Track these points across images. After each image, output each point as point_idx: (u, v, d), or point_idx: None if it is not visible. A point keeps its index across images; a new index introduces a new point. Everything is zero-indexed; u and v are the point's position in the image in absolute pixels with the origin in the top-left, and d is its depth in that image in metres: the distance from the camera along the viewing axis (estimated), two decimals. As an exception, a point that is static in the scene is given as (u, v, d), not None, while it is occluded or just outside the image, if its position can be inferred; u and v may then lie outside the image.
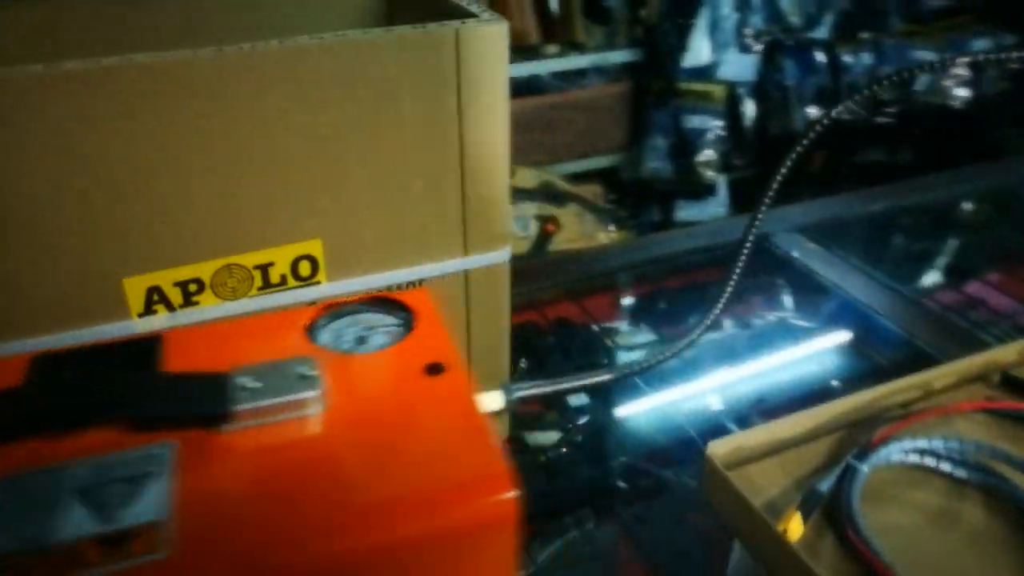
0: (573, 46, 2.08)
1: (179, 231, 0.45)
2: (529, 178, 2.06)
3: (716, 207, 2.14)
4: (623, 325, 0.96)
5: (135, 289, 0.46)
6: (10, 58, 0.42)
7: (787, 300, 0.98)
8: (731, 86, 2.14)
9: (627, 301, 1.03)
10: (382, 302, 0.33)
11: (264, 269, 0.49)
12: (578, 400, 0.81)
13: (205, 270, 0.47)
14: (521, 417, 0.78)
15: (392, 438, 0.26)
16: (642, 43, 2.09)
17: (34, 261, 0.43)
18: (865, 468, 0.48)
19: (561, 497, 0.70)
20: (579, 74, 2.13)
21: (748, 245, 0.52)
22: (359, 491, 0.23)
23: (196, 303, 0.48)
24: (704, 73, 2.10)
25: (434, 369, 0.29)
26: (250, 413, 0.25)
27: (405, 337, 0.31)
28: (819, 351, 0.87)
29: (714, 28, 2.07)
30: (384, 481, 0.24)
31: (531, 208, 2.07)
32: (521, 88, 2.07)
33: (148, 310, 0.47)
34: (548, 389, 0.36)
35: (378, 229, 0.51)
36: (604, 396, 0.81)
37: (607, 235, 2.16)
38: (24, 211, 0.41)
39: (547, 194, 2.08)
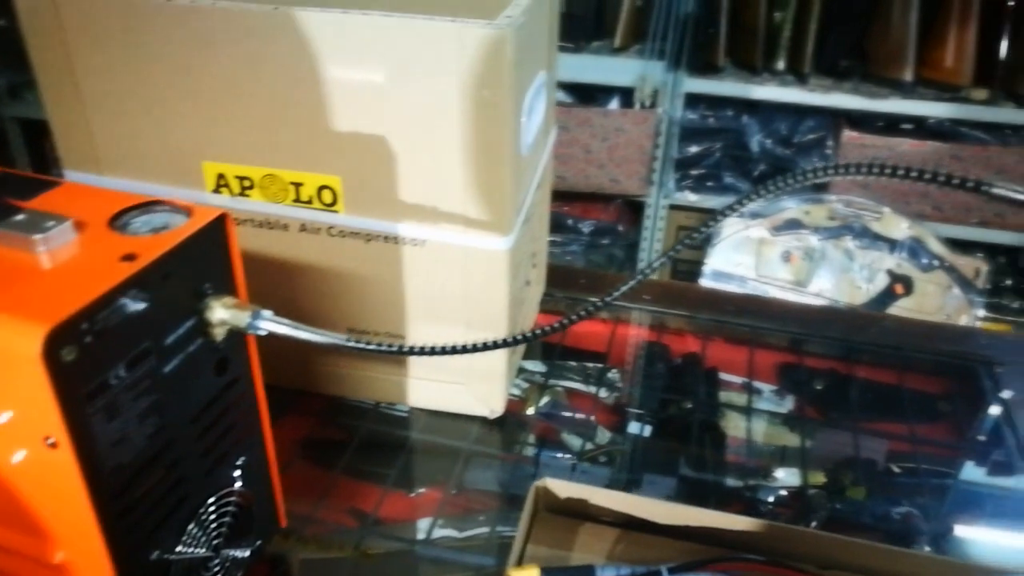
0: (1012, 97, 1.75)
1: (237, 138, 0.60)
2: (897, 227, 1.83)
3: None
4: (768, 387, 0.88)
5: (210, 171, 0.62)
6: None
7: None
8: None
9: (803, 369, 0.92)
10: (185, 211, 0.43)
11: (297, 187, 0.61)
12: (638, 429, 0.80)
13: (255, 173, 0.62)
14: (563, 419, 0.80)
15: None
16: (1109, 112, 1.67)
17: (149, 132, 0.61)
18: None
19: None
20: (1012, 131, 1.79)
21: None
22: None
23: (248, 196, 0.63)
24: None
25: (128, 257, 0.38)
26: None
27: (151, 234, 0.41)
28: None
29: None
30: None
31: (887, 260, 1.85)
32: (926, 130, 1.83)
33: (217, 190, 0.63)
34: (286, 331, 0.42)
35: (388, 185, 0.60)
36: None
37: (971, 320, 1.82)
38: (145, 96, 0.60)
39: (913, 252, 1.83)
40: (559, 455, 0.77)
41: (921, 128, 1.82)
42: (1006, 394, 0.76)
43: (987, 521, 0.70)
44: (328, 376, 0.71)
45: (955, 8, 1.73)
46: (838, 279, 1.86)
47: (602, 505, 0.48)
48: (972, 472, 0.74)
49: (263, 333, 0.43)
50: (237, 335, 0.46)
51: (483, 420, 0.72)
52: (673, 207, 1.98)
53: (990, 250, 1.87)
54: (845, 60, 1.85)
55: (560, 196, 2.01)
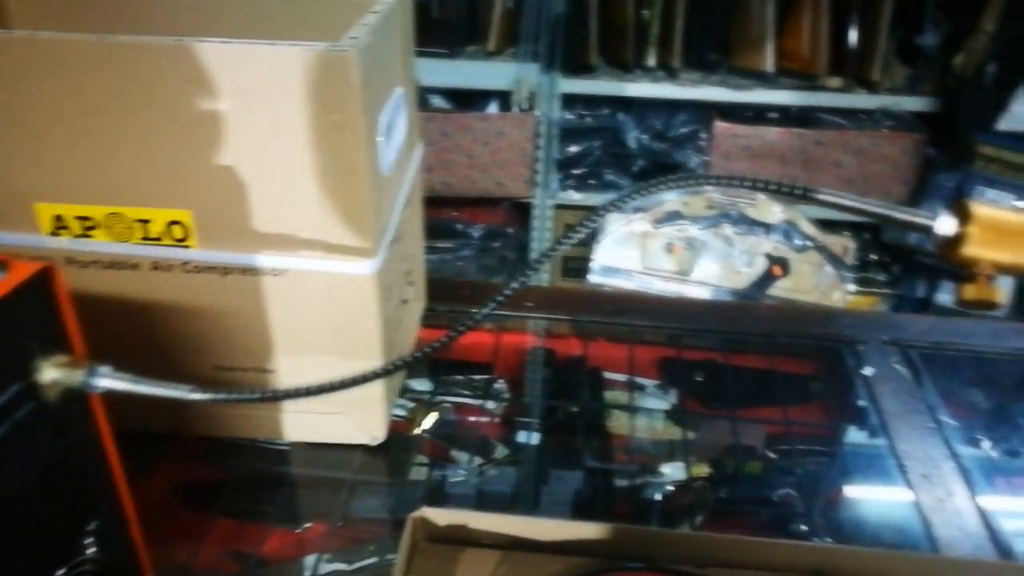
0: (863, 83, 1.86)
1: (72, 176, 0.56)
2: (771, 212, 1.91)
3: (990, 301, 1.79)
4: (651, 383, 0.90)
5: (44, 213, 0.58)
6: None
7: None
8: (1058, 164, 1.76)
9: (683, 363, 0.95)
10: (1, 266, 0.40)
11: (144, 224, 0.58)
12: (528, 437, 0.80)
13: (97, 212, 0.58)
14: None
15: None
16: (949, 93, 1.80)
17: (-29, 173, 0.56)
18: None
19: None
20: (866, 115, 1.90)
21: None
22: None
23: (91, 236, 0.59)
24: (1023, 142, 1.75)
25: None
26: None
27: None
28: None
29: (1052, 91, 1.70)
30: None
31: (764, 244, 1.93)
32: (791, 118, 1.91)
33: (55, 232, 0.59)
34: (125, 386, 0.40)
35: (242, 216, 0.57)
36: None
37: (843, 295, 1.93)
38: (-38, 135, 0.55)
39: (787, 234, 1.92)
40: (449, 473, 0.76)
41: (786, 116, 1.91)
42: (867, 371, 0.80)
43: (857, 492, 0.74)
44: (198, 417, 0.68)
45: (808, 0, 1.82)
46: (720, 265, 1.93)
47: (482, 529, 0.48)
48: (841, 447, 0.78)
49: (100, 391, 0.40)
50: (75, 394, 0.43)
51: (366, 447, 0.71)
52: (559, 207, 2.01)
53: (856, 228, 1.98)
54: (712, 54, 1.91)
55: (447, 202, 2.00)
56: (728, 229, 1.91)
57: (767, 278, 1.91)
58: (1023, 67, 1.70)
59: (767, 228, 1.91)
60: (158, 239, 0.59)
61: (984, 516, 0.63)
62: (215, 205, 0.57)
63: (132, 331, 0.62)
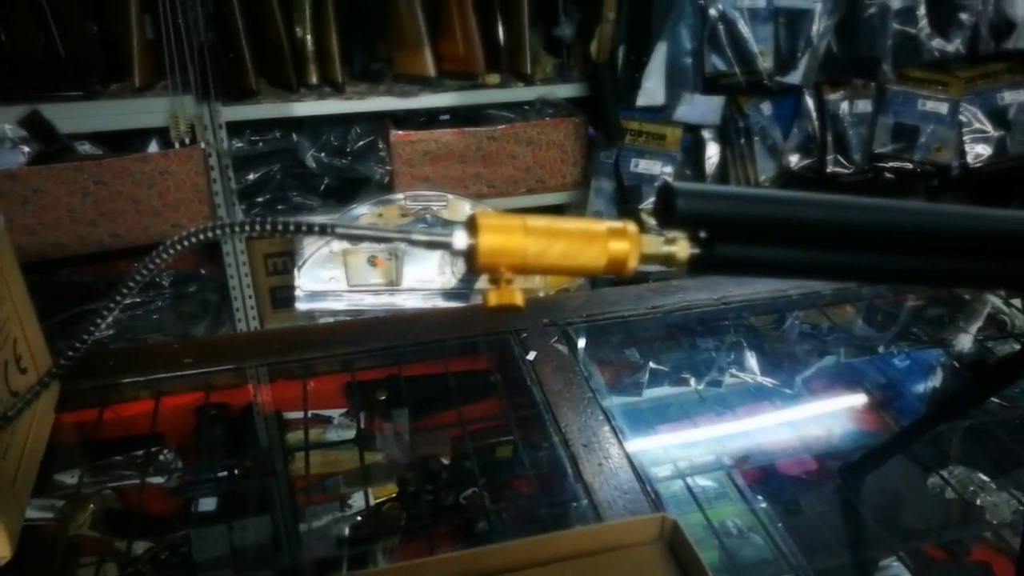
0: (518, 76, 1.98)
1: None
2: (462, 210, 1.97)
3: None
4: (339, 413, 0.88)
5: None
6: None
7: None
8: (691, 129, 2.01)
9: (364, 385, 0.93)
10: None
11: None
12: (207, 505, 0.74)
13: None
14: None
15: None
16: (591, 78, 1.98)
17: None
18: None
19: None
20: (529, 106, 2.03)
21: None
22: None
23: None
24: (660, 114, 1.97)
25: None
26: None
27: None
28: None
29: (672, 67, 1.93)
30: None
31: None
32: (461, 119, 1.99)
33: None
34: None
35: None
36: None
37: (543, 277, 2.06)
38: None
39: (481, 229, 2.00)
40: (116, 568, 0.68)
41: (457, 116, 1.98)
42: (531, 355, 0.84)
43: (532, 476, 0.78)
44: None
45: (453, 2, 1.89)
46: (427, 269, 1.96)
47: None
48: (517, 435, 0.81)
49: None
50: None
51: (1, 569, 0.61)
52: (251, 238, 1.91)
53: (542, 211, 2.11)
54: (373, 64, 1.93)
55: (124, 255, 1.83)
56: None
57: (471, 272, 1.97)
58: (645, 48, 1.91)
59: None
60: None
61: (636, 471, 0.69)
62: None
63: None
